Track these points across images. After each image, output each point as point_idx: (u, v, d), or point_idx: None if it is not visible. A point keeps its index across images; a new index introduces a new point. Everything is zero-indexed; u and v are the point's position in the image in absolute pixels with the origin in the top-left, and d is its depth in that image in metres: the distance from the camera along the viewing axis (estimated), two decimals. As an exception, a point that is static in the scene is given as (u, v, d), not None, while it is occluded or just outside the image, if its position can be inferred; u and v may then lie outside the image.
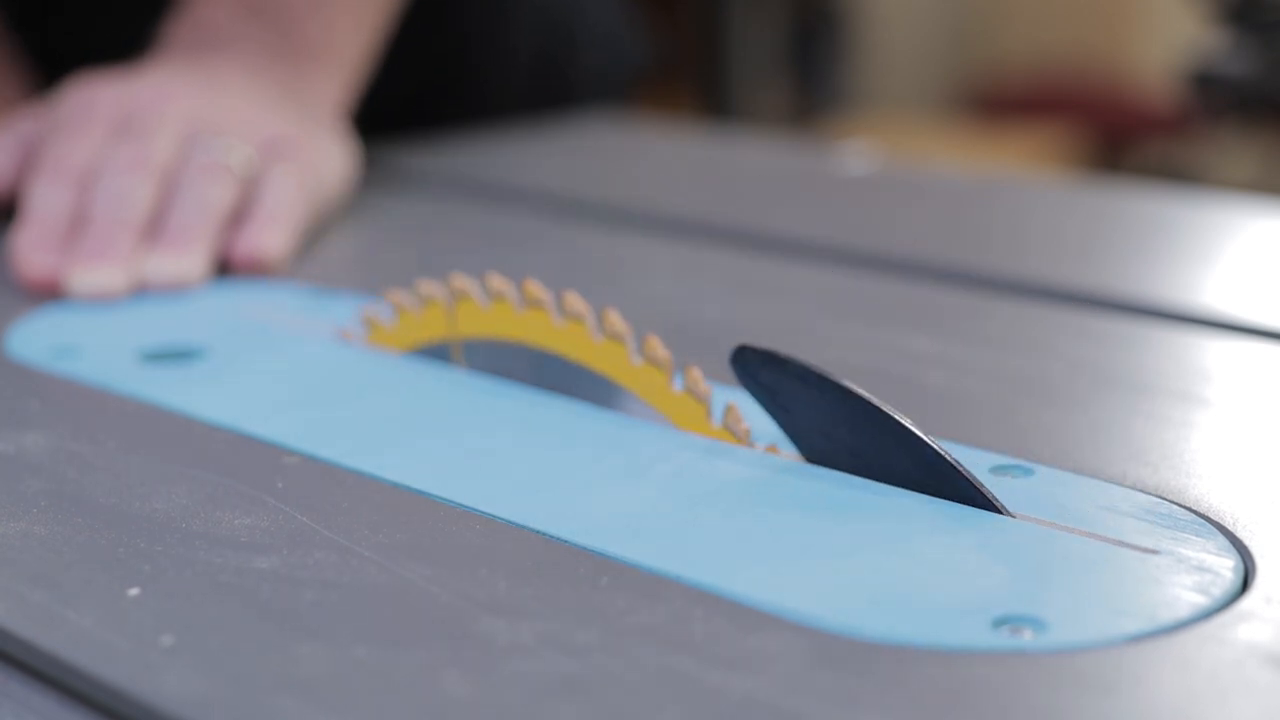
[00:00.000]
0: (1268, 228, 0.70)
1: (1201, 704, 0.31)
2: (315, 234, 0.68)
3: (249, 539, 0.38)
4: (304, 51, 0.73)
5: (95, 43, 0.81)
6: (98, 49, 0.78)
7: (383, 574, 0.37)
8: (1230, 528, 0.38)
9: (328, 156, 0.70)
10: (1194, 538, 0.37)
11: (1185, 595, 0.35)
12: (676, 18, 2.81)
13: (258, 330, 0.56)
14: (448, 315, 0.50)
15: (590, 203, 0.75)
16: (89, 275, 0.59)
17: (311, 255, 0.66)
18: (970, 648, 0.33)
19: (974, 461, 0.42)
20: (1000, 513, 0.39)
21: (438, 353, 0.51)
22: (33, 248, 0.61)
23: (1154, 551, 0.37)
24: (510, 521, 0.39)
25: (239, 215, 0.64)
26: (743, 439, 0.43)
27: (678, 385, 0.45)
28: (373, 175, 0.77)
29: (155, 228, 0.62)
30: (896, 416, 0.40)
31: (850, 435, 0.41)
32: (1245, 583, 0.35)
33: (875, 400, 0.40)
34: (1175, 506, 0.39)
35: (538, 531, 0.39)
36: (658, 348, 0.45)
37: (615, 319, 0.46)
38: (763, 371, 0.42)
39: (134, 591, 0.36)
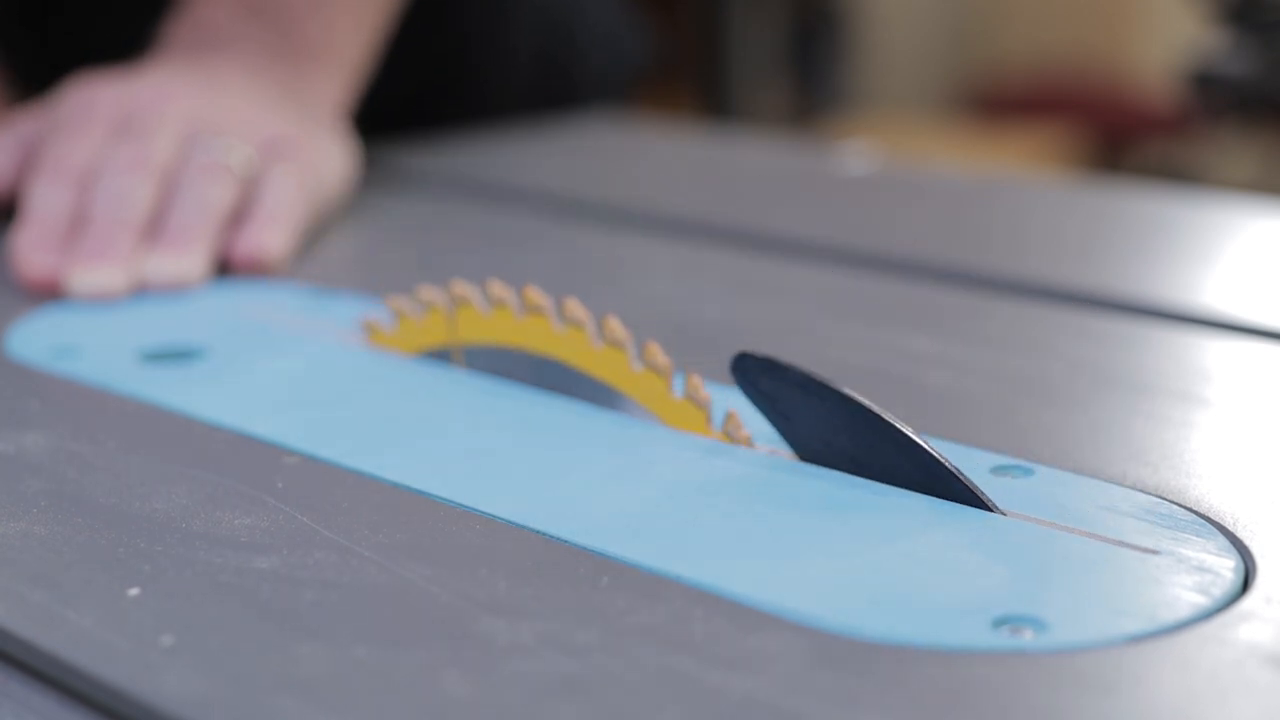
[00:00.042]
0: (1268, 228, 0.70)
1: (1201, 704, 0.31)
2: (315, 234, 0.68)
3: (249, 539, 0.38)
4: (304, 51, 0.73)
5: (95, 43, 0.81)
6: (98, 49, 0.78)
7: (383, 574, 0.37)
8: (1230, 528, 0.38)
9: (328, 156, 0.70)
10: (1194, 538, 0.37)
11: (1185, 595, 0.35)
12: (676, 18, 2.81)
13: (258, 330, 0.56)
14: (448, 321, 0.50)
15: (590, 203, 0.75)
16: (89, 275, 0.59)
17: (311, 255, 0.66)
18: (970, 648, 0.33)
19: (974, 461, 0.42)
20: (1000, 513, 0.39)
21: (438, 354, 0.51)
22: (33, 248, 0.61)
23: (1154, 551, 0.37)
24: (510, 521, 0.39)
25: (239, 215, 0.64)
26: (743, 445, 0.43)
27: (678, 392, 0.45)
28: (373, 175, 0.77)
29: (155, 228, 0.62)
30: (896, 424, 0.40)
31: (850, 442, 0.41)
32: (1245, 583, 0.35)
33: (875, 407, 0.40)
34: (1175, 506, 0.39)
35: (538, 531, 0.39)
36: (658, 354, 0.45)
37: (615, 325, 0.46)
38: (763, 379, 0.42)
39: (134, 591, 0.36)
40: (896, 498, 0.40)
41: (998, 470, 0.41)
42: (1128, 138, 3.04)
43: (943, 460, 0.39)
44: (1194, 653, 0.33)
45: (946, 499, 0.39)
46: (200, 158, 0.64)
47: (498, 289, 0.49)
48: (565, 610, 0.35)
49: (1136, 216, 0.74)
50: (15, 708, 0.34)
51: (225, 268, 0.63)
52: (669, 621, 0.34)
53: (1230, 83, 2.07)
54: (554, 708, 0.31)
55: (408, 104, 0.88)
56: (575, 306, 0.47)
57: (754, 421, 0.43)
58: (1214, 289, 0.61)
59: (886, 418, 0.40)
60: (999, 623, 0.34)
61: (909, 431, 0.40)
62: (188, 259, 0.61)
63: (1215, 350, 0.54)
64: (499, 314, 0.49)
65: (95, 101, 0.66)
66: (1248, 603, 0.35)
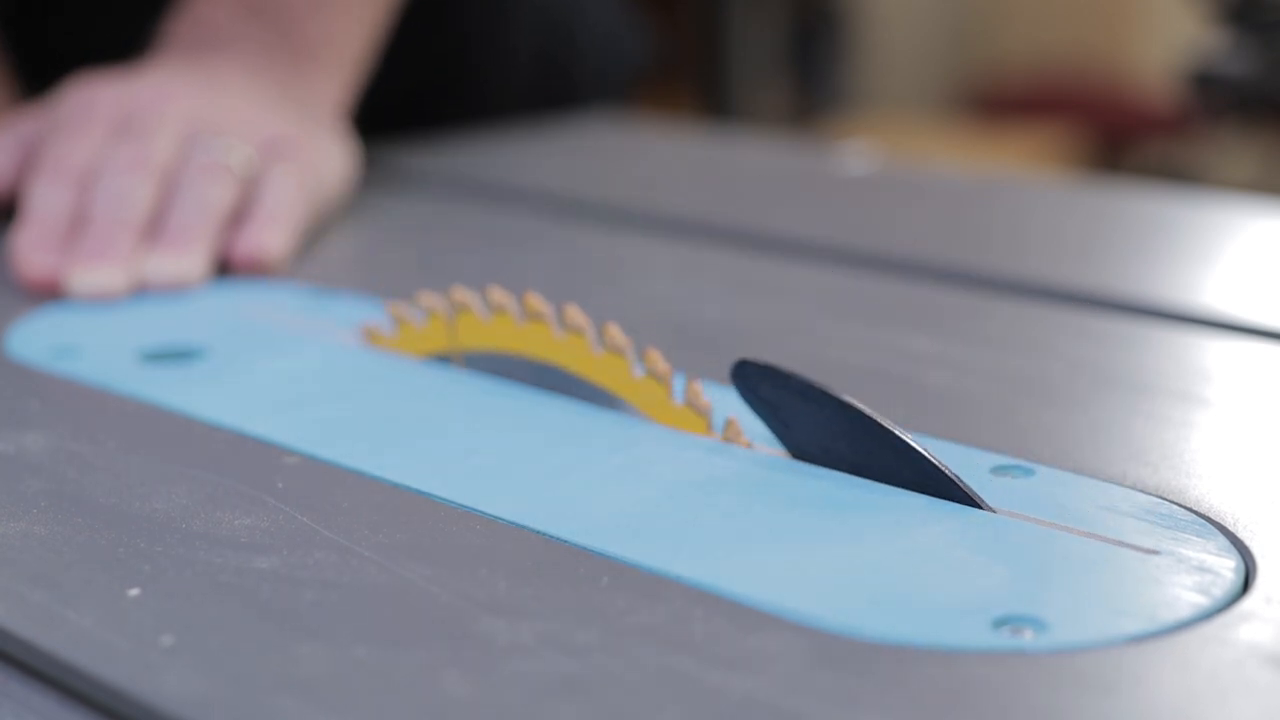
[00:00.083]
0: (1268, 228, 0.70)
1: (1201, 704, 0.31)
2: (315, 234, 0.68)
3: (249, 539, 0.38)
4: (304, 51, 0.73)
5: (95, 43, 0.81)
6: (98, 49, 0.78)
7: (383, 574, 0.37)
8: (1230, 528, 0.38)
9: (328, 156, 0.70)
10: (1194, 538, 0.37)
11: (1186, 595, 0.35)
12: (676, 18, 2.81)
13: (258, 330, 0.56)
14: (449, 328, 0.50)
15: (590, 203, 0.75)
16: (89, 275, 0.59)
17: (311, 255, 0.66)
18: (970, 648, 0.33)
19: (974, 461, 0.42)
20: (1000, 514, 0.39)
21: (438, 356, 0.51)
22: (33, 248, 0.61)
23: (1154, 552, 0.37)
24: (510, 521, 0.39)
25: (239, 215, 0.64)
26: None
27: (678, 398, 0.45)
28: (373, 175, 0.77)
29: (155, 228, 0.62)
30: (896, 431, 0.40)
31: (849, 449, 0.41)
32: (1246, 583, 0.35)
33: (874, 414, 0.40)
34: (1175, 506, 0.39)
35: (538, 531, 0.39)
36: (658, 360, 0.45)
37: (615, 332, 0.46)
38: (763, 386, 0.42)
39: (134, 591, 0.36)
40: (897, 497, 0.40)
41: (998, 470, 0.41)
42: (1128, 138, 3.04)
43: (942, 467, 0.39)
44: (1194, 653, 0.33)
45: (946, 501, 0.39)
46: (200, 158, 0.64)
47: (498, 295, 0.49)
48: (565, 610, 0.35)
49: (1136, 216, 0.74)
50: (15, 708, 0.34)
51: (225, 268, 0.63)
52: (669, 621, 0.34)
53: (1230, 83, 2.07)
54: (554, 708, 0.31)
55: (408, 104, 0.88)
56: (575, 313, 0.47)
57: (754, 428, 0.43)
58: (1214, 289, 0.62)
59: (885, 424, 0.40)
60: (999, 623, 0.34)
61: (908, 438, 0.40)
62: (188, 259, 0.61)
63: (1215, 350, 0.54)
64: (499, 320, 0.49)
65: (95, 101, 0.66)
66: (1248, 603, 0.35)
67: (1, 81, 0.83)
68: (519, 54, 0.92)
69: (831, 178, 0.83)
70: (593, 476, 0.42)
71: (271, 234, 0.63)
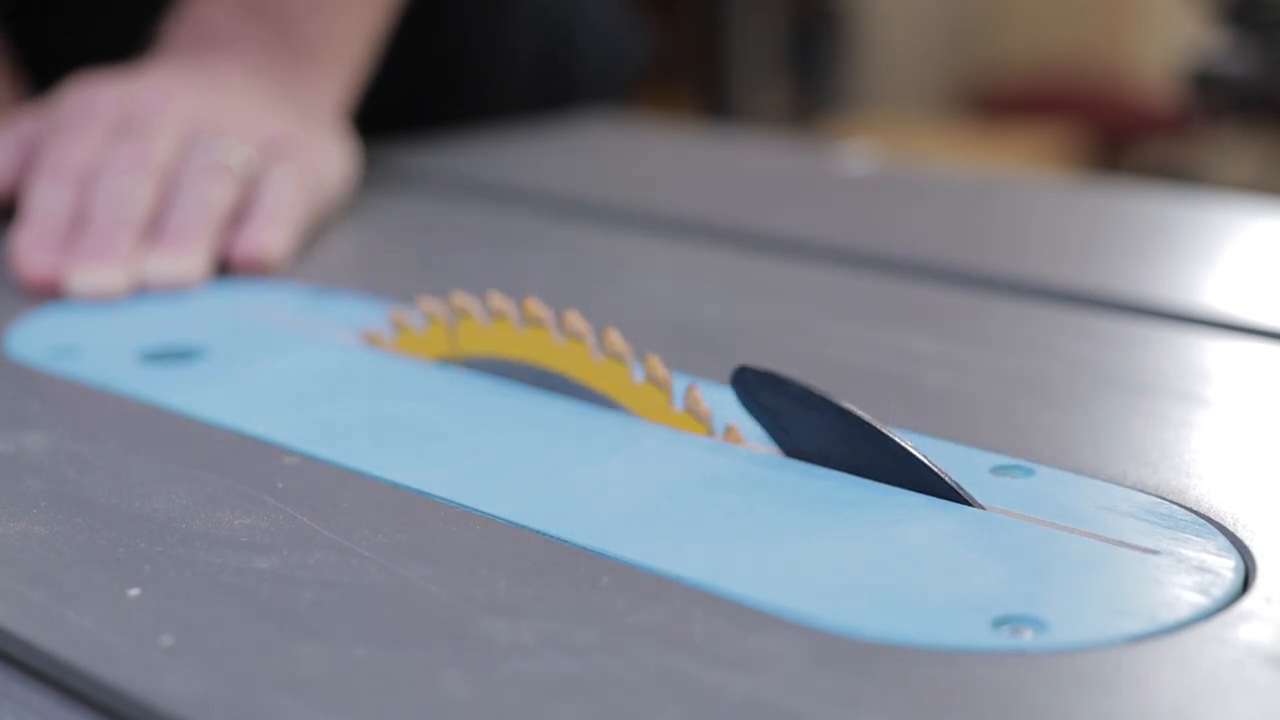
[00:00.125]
0: (1268, 228, 0.70)
1: (1201, 704, 0.31)
2: (315, 234, 0.68)
3: (249, 539, 0.38)
4: (304, 51, 0.73)
5: (95, 43, 0.81)
6: (98, 49, 0.78)
7: (383, 574, 0.37)
8: (1230, 528, 0.38)
9: (328, 156, 0.70)
10: (1194, 538, 0.37)
11: (1185, 595, 0.35)
12: (676, 18, 2.81)
13: (258, 330, 0.56)
14: (449, 333, 0.50)
15: (590, 203, 0.75)
16: (89, 275, 0.59)
17: (311, 255, 0.66)
18: (970, 648, 0.33)
19: (974, 461, 0.42)
20: (1000, 513, 0.39)
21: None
22: (33, 248, 0.61)
23: (1154, 551, 0.37)
24: (510, 521, 0.39)
25: (239, 215, 0.64)
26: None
27: (678, 404, 0.45)
28: (373, 175, 0.77)
29: (155, 228, 0.62)
30: (895, 437, 0.40)
31: (849, 455, 0.41)
32: (1246, 583, 0.35)
33: (873, 421, 0.40)
34: (1175, 506, 0.39)
35: (538, 531, 0.39)
36: (658, 367, 0.45)
37: (615, 338, 0.46)
38: (763, 392, 0.42)
39: (134, 591, 0.36)
40: (897, 498, 0.40)
41: (998, 470, 0.41)
42: (1128, 138, 3.04)
43: (942, 475, 0.39)
44: (1194, 653, 0.33)
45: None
46: (200, 158, 0.64)
47: (498, 301, 0.49)
48: (565, 610, 0.35)
49: (1136, 216, 0.74)
50: (15, 708, 0.34)
51: (225, 268, 0.63)
52: (669, 621, 0.34)
53: (1230, 83, 2.07)
54: (554, 708, 0.31)
55: (408, 104, 0.88)
56: (575, 319, 0.47)
57: (754, 433, 0.43)
58: (1214, 289, 0.62)
59: (885, 431, 0.40)
60: (999, 623, 0.34)
61: (907, 445, 0.40)
62: (188, 259, 0.61)
63: (1215, 350, 0.54)
64: (499, 326, 0.49)
65: (95, 101, 0.66)
66: (1248, 603, 0.35)
67: (3, 81, 0.83)
68: (519, 54, 0.92)
69: (831, 178, 0.83)
70: (593, 476, 0.42)
71: (271, 234, 0.63)
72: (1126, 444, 0.44)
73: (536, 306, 0.48)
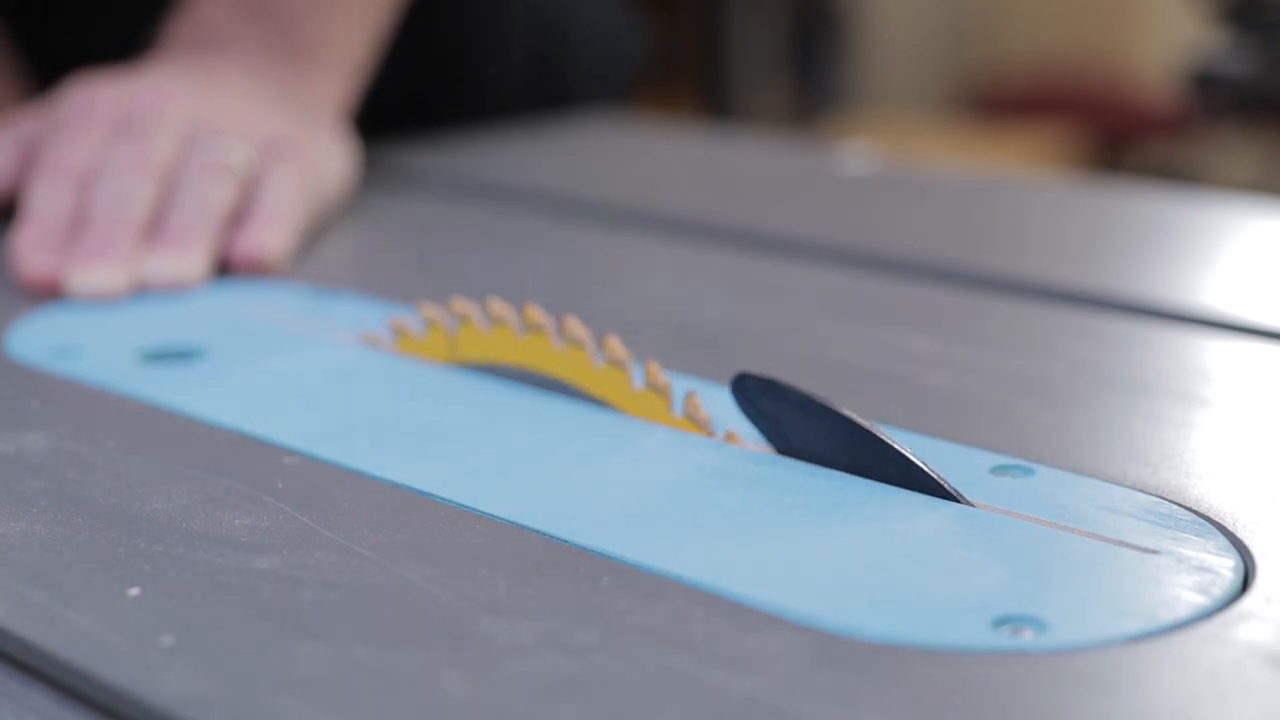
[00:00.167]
0: (1268, 228, 0.70)
1: (1201, 704, 0.31)
2: (315, 234, 0.68)
3: (249, 539, 0.38)
4: (304, 51, 0.73)
5: (95, 43, 0.81)
6: (98, 49, 0.78)
7: (383, 574, 0.37)
8: (1230, 528, 0.38)
9: (328, 156, 0.70)
10: (1194, 538, 0.37)
11: (1185, 595, 0.35)
12: (676, 18, 2.80)
13: (258, 330, 0.56)
14: (449, 340, 0.50)
15: (590, 203, 0.75)
16: (89, 275, 0.59)
17: (311, 255, 0.66)
18: (970, 648, 0.33)
19: (974, 461, 0.42)
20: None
21: (438, 353, 0.51)
22: (33, 248, 0.61)
23: (1154, 551, 0.37)
24: (510, 521, 0.39)
25: (239, 215, 0.64)
26: (743, 442, 0.44)
27: (678, 410, 0.45)
28: (373, 175, 0.77)
29: (155, 228, 0.62)
30: (895, 445, 0.40)
31: (849, 462, 0.41)
32: (1245, 583, 0.35)
33: (873, 428, 0.40)
34: (1175, 506, 0.39)
35: (538, 531, 0.39)
36: (658, 373, 0.45)
37: (615, 344, 0.46)
38: (763, 399, 0.42)
39: (134, 591, 0.36)
40: (897, 498, 0.40)
41: (998, 470, 0.41)
42: (1128, 138, 3.04)
43: (942, 482, 0.39)
44: (1194, 653, 0.33)
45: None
46: (200, 158, 0.64)
47: (498, 307, 0.49)
48: (565, 610, 0.35)
49: (1136, 216, 0.74)
50: (15, 708, 0.34)
51: (225, 268, 0.63)
52: (669, 621, 0.34)
53: (1230, 83, 2.07)
54: (554, 708, 0.31)
55: (408, 104, 0.88)
56: (575, 325, 0.47)
57: (753, 439, 0.43)
58: (1214, 289, 0.62)
59: (885, 438, 0.40)
60: (999, 623, 0.34)
61: (907, 452, 0.40)
62: (188, 259, 0.61)
63: (1215, 350, 0.54)
64: (499, 332, 0.49)
65: (95, 101, 0.66)
66: (1248, 603, 0.35)
67: (3, 81, 0.83)
68: (513, 55, 0.92)
69: (831, 178, 0.83)
70: (593, 476, 0.42)
71: (271, 234, 0.63)
72: (1126, 444, 0.44)
73: (537, 313, 0.48)
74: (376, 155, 0.80)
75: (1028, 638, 0.33)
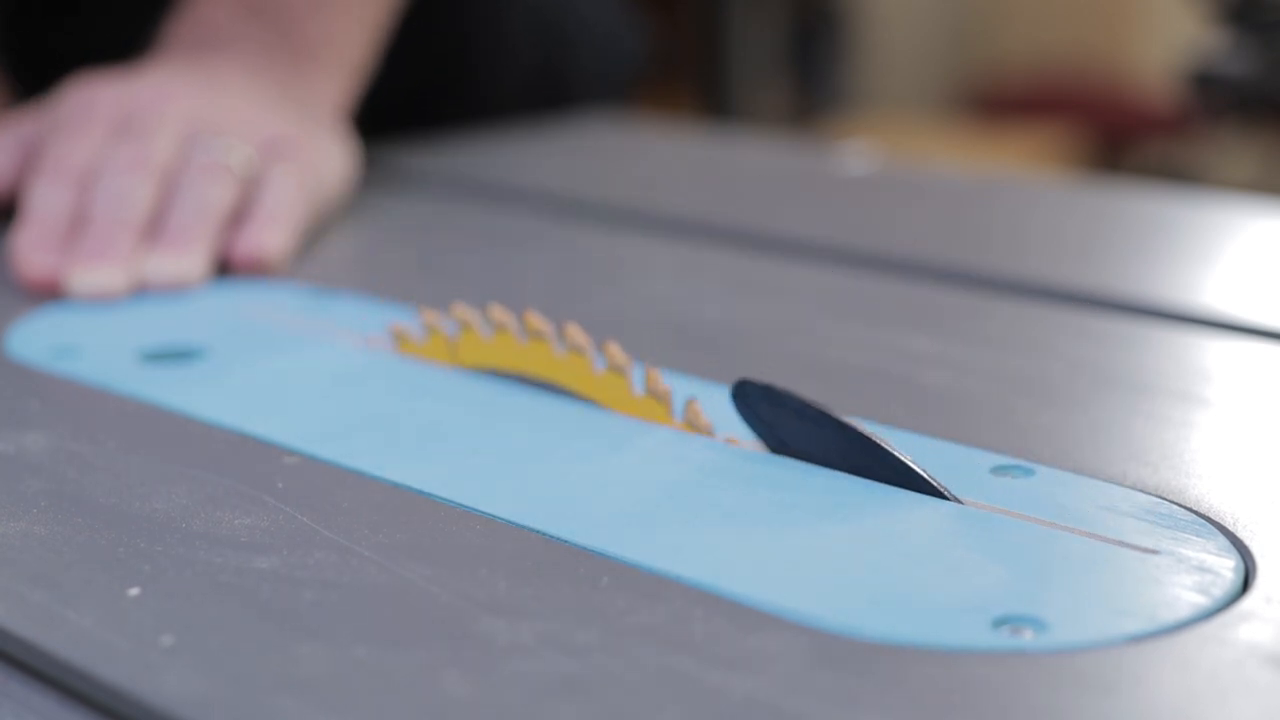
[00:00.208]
0: (1268, 228, 0.70)
1: (1201, 704, 0.31)
2: (315, 234, 0.68)
3: (249, 539, 0.38)
4: (304, 51, 0.73)
5: (95, 43, 0.81)
6: (98, 49, 0.78)
7: (383, 574, 0.37)
8: (1230, 528, 0.38)
9: (328, 156, 0.70)
10: (1194, 538, 0.37)
11: (1185, 595, 0.35)
12: (676, 18, 2.81)
13: (258, 330, 0.56)
14: (449, 346, 0.50)
15: (590, 203, 0.75)
16: (89, 275, 0.59)
17: (311, 255, 0.66)
18: (970, 648, 0.33)
19: (974, 461, 0.42)
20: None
21: (438, 353, 0.51)
22: (33, 248, 0.61)
23: (1154, 551, 0.37)
24: (510, 521, 0.39)
25: (239, 215, 0.64)
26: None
27: (678, 417, 0.45)
28: (373, 175, 0.77)
29: (155, 228, 0.62)
30: (895, 452, 0.40)
31: (848, 469, 0.41)
32: (1246, 583, 0.35)
33: (873, 435, 0.40)
34: (1175, 506, 0.39)
35: (538, 531, 0.39)
36: (659, 381, 0.45)
37: (615, 350, 0.46)
38: (762, 406, 0.42)
39: (134, 591, 0.36)
40: (897, 498, 0.40)
41: (998, 470, 0.41)
42: (1128, 138, 3.04)
43: (941, 488, 0.39)
44: (1194, 653, 0.33)
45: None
46: (200, 158, 0.64)
47: (499, 313, 0.49)
48: (565, 610, 0.35)
49: (1136, 216, 0.74)
50: (15, 708, 0.34)
51: (225, 268, 0.63)
52: (669, 621, 0.34)
53: (1230, 83, 2.07)
54: (554, 708, 0.31)
55: (408, 104, 0.88)
56: (576, 331, 0.47)
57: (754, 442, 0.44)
58: (1214, 289, 0.62)
59: (884, 445, 0.40)
60: (999, 623, 0.34)
61: (906, 459, 0.40)
62: (188, 259, 0.61)
63: (1215, 350, 0.54)
64: (500, 339, 0.49)
65: (95, 101, 0.66)
66: (1248, 603, 0.35)
67: (2, 81, 0.83)
68: (514, 55, 0.92)
69: (831, 178, 0.83)
70: (593, 476, 0.42)
71: (271, 234, 0.63)
72: (1126, 444, 0.44)
73: (537, 319, 0.48)
74: (376, 155, 0.80)
75: (1028, 638, 0.33)
